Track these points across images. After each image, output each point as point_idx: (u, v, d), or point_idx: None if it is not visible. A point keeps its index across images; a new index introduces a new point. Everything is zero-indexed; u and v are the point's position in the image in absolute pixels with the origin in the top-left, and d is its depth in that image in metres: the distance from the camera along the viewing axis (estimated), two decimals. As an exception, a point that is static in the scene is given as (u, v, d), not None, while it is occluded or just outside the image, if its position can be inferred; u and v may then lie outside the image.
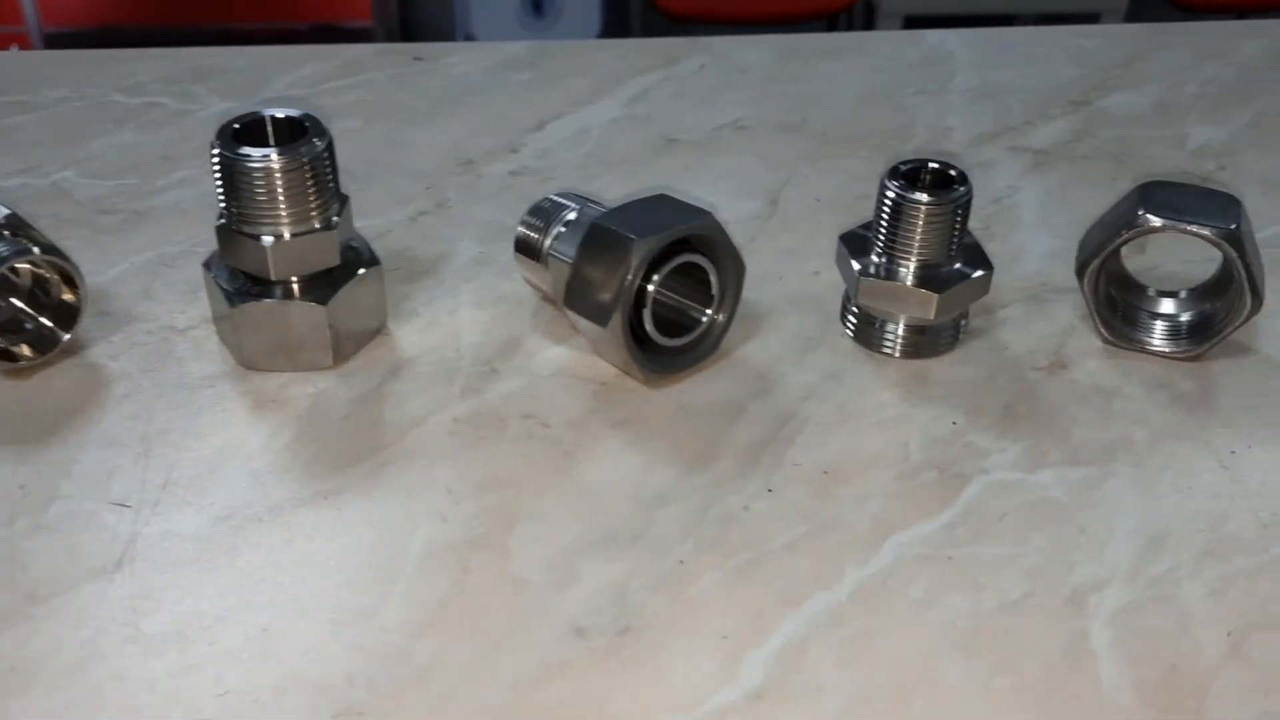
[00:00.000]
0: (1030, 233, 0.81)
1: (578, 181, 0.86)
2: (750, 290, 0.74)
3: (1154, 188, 0.68)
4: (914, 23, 2.81)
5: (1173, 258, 0.76)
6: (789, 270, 0.77)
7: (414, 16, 3.31)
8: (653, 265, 0.63)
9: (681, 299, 0.68)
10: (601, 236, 0.64)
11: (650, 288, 0.63)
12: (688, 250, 0.65)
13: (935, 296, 0.66)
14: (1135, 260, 0.75)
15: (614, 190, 0.85)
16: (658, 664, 0.52)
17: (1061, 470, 0.62)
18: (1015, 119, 0.96)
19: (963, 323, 0.70)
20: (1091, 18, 2.81)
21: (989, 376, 0.68)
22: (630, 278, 0.62)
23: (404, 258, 0.77)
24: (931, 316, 0.66)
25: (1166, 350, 0.69)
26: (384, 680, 0.51)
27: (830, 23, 2.89)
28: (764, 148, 0.92)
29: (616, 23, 3.31)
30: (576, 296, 0.65)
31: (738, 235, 0.80)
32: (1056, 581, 0.55)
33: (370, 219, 0.81)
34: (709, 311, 0.67)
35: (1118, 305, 0.71)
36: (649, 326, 0.64)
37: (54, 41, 3.03)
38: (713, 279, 0.66)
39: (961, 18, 2.58)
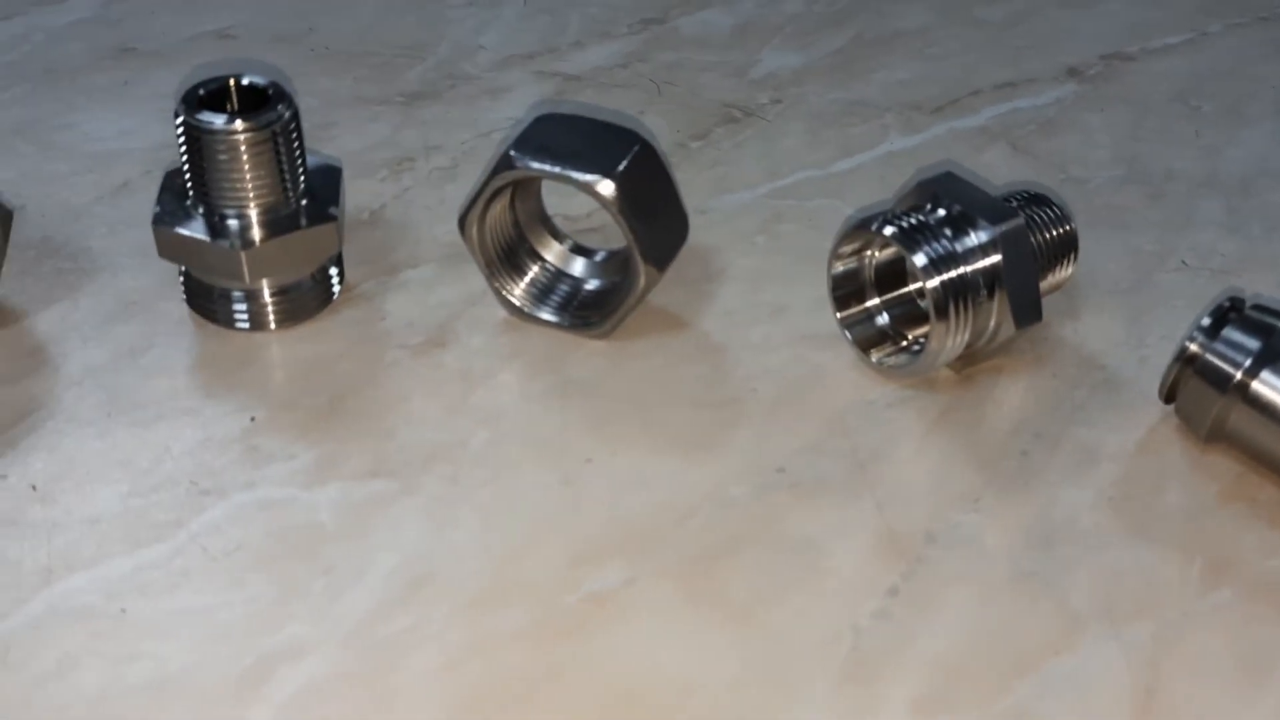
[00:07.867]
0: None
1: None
2: (94, 239, 0.59)
3: (545, 122, 0.54)
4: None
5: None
6: (162, 215, 0.62)
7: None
8: None
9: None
10: None
11: None
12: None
13: (240, 255, 0.51)
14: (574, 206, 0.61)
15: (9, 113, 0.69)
16: None
17: (349, 486, 0.48)
18: (565, 40, 0.81)
19: (335, 283, 0.56)
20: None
21: (338, 357, 0.54)
22: None
23: None
24: (245, 281, 0.52)
25: (565, 325, 0.55)
26: None
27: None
28: (242, 63, 0.76)
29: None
30: None
31: (132, 169, 0.65)
32: (246, 645, 0.42)
33: None
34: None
35: (524, 267, 0.57)
36: None
37: None
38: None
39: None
